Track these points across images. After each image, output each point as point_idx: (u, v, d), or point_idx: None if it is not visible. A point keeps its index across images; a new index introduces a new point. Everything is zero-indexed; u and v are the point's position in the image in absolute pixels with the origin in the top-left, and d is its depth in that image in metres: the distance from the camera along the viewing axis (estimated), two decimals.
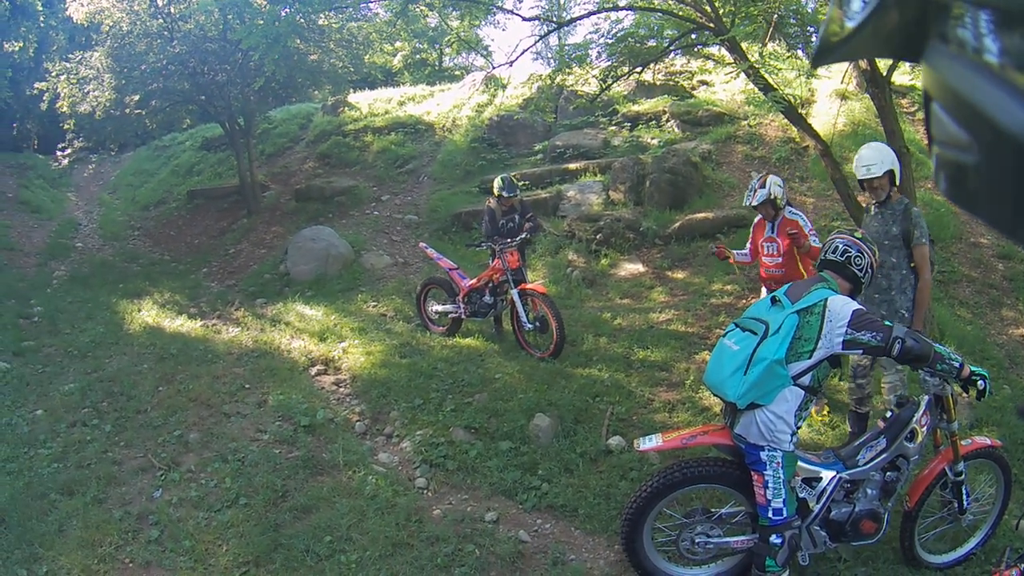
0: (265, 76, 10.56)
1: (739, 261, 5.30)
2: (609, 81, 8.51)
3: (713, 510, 3.28)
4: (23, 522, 3.93)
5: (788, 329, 2.88)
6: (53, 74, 12.11)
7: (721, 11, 6.76)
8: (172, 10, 11.65)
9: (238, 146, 12.74)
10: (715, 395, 3.17)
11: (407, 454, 4.75)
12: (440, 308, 7.07)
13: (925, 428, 3.22)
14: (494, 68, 9.73)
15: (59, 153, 13.88)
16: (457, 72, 23.86)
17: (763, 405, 2.89)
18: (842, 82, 11.25)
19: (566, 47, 10.46)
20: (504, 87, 11.92)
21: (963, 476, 3.37)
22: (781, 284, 4.90)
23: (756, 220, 5.14)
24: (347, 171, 13.40)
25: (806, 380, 2.91)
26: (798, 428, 2.98)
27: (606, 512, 3.97)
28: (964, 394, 3.32)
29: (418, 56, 24.89)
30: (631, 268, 8.84)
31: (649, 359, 6.04)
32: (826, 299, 2.91)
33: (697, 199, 9.83)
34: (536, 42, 8.40)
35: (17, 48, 16.09)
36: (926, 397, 3.26)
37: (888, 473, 3.20)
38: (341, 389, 5.81)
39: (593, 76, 8.64)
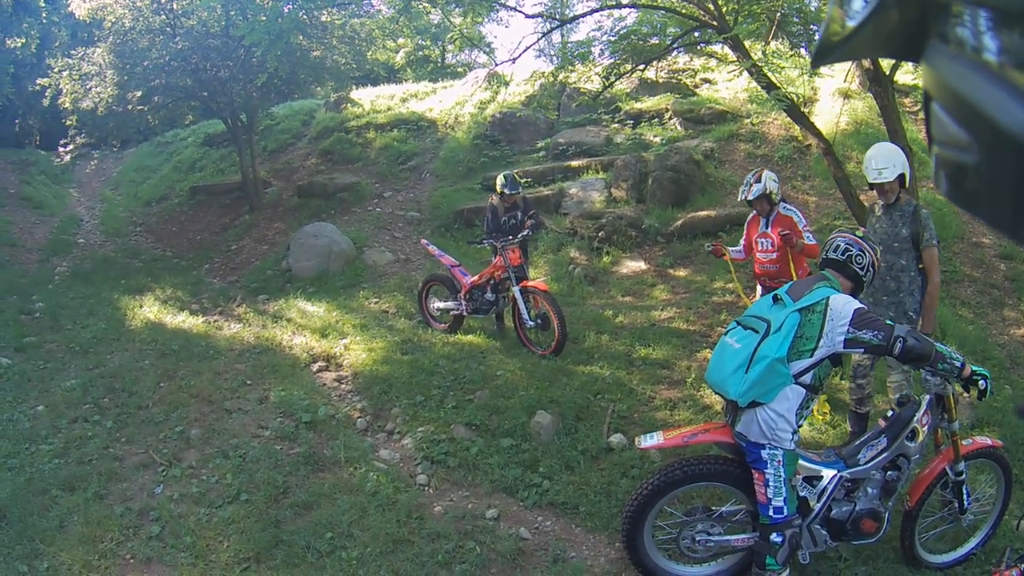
0: (268, 72, 10.54)
1: (733, 258, 5.31)
2: (612, 79, 8.51)
3: (714, 508, 3.29)
4: (24, 518, 3.94)
5: (790, 327, 2.88)
6: (55, 70, 12.10)
7: (724, 9, 6.75)
8: (174, 6, 11.65)
9: (240, 142, 12.74)
10: (716, 393, 3.17)
11: (408, 451, 4.76)
12: (442, 305, 7.07)
13: (926, 427, 3.21)
14: (497, 65, 9.73)
15: (61, 149, 13.86)
16: (460, 69, 23.84)
17: (764, 403, 2.89)
18: (845, 81, 11.24)
19: (569, 44, 10.43)
20: (507, 84, 11.93)
21: (964, 476, 3.37)
22: (776, 279, 4.93)
23: (750, 216, 5.16)
24: (349, 167, 13.40)
25: (807, 378, 2.91)
26: (799, 426, 2.98)
27: (607, 510, 3.98)
28: (965, 394, 3.31)
29: (421, 53, 24.88)
30: (633, 266, 8.83)
31: (650, 357, 6.04)
32: (828, 297, 2.91)
33: (699, 197, 9.81)
34: (539, 39, 8.41)
35: (19, 44, 16.10)
36: (927, 396, 3.26)
37: (889, 472, 3.20)
38: (343, 385, 5.82)
39: (596, 73, 8.64)
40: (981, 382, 2.92)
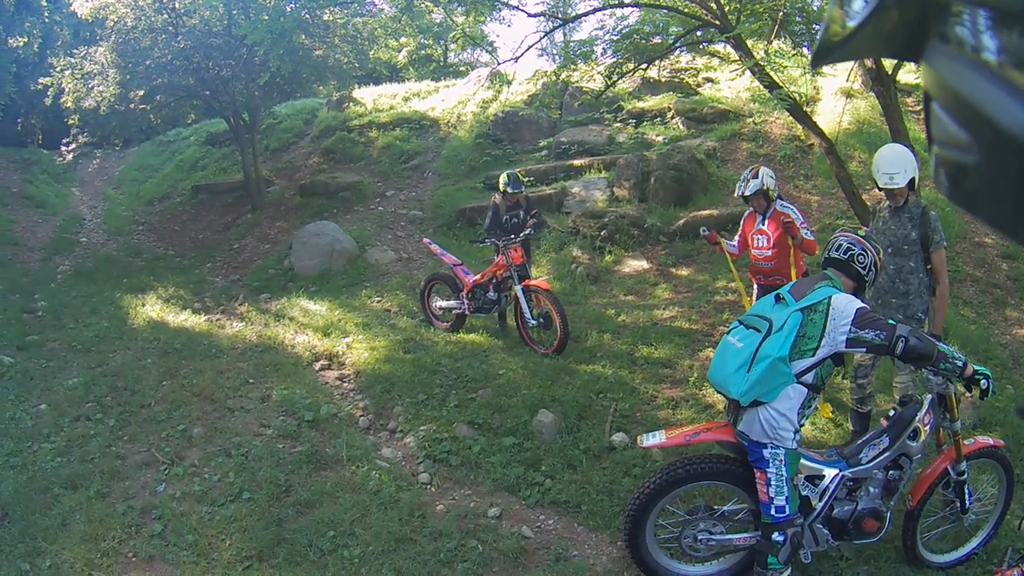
0: (270, 71, 10.57)
1: (728, 251, 5.30)
2: (614, 78, 8.51)
3: (716, 507, 3.29)
4: (26, 516, 3.95)
5: (792, 327, 2.88)
6: (57, 69, 12.13)
7: (727, 8, 6.75)
8: (177, 5, 11.67)
9: (243, 141, 12.76)
10: (718, 392, 3.17)
11: (410, 449, 4.76)
12: (444, 304, 7.07)
13: (928, 427, 3.21)
14: (499, 64, 9.75)
15: (63, 148, 13.89)
16: (462, 68, 23.84)
17: (766, 402, 2.89)
18: (847, 80, 11.22)
19: (571, 43, 10.45)
20: (509, 83, 11.94)
21: (965, 476, 3.36)
22: (770, 277, 4.93)
23: (747, 213, 5.16)
24: (352, 167, 13.41)
25: (809, 378, 2.91)
26: (801, 426, 2.98)
27: (609, 508, 3.98)
28: (967, 393, 3.31)
29: (423, 52, 24.90)
30: (635, 265, 8.83)
31: (653, 356, 6.04)
32: (830, 297, 2.91)
33: (702, 196, 9.80)
34: (541, 38, 8.41)
35: (22, 43, 16.14)
36: (929, 396, 3.26)
37: (891, 472, 3.20)
38: (345, 384, 5.83)
39: (598, 72, 8.64)
40: (983, 382, 2.92)
